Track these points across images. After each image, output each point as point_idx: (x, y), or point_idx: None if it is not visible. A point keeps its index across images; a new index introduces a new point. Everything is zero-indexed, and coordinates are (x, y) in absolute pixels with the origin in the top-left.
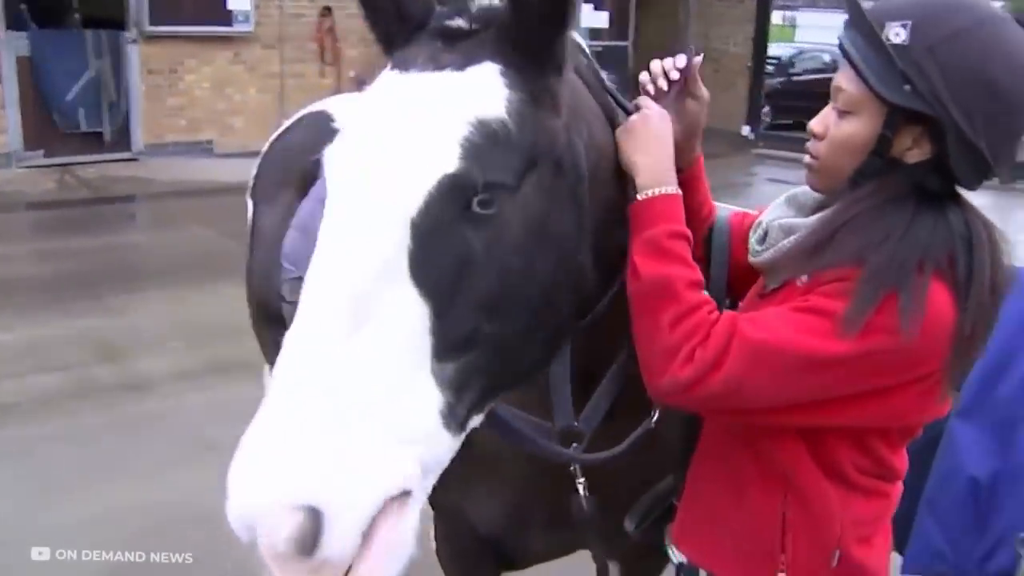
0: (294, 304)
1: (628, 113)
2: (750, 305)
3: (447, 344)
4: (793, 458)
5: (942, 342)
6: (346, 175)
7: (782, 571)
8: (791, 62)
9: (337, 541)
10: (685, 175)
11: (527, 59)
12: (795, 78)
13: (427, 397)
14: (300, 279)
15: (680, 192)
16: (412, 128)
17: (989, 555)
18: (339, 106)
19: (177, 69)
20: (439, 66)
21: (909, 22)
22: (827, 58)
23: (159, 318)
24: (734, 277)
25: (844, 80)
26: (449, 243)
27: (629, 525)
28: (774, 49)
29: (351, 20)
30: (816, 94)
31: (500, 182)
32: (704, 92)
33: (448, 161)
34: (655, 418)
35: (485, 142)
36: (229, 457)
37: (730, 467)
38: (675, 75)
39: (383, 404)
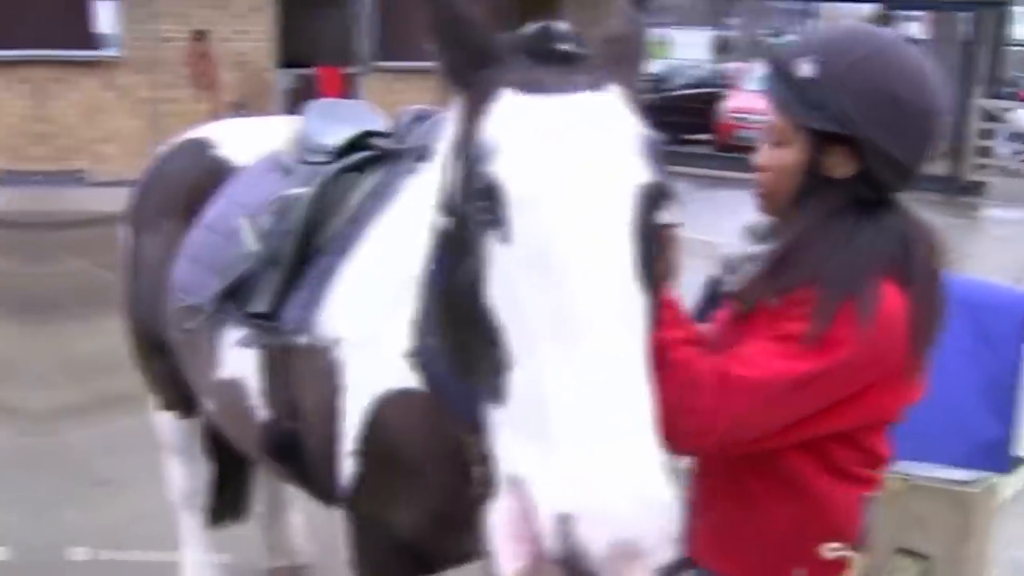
0: (190, 332)
1: None
2: (726, 330)
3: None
4: (802, 468)
5: (900, 335)
6: (555, 192)
7: (801, 568)
8: (665, 78)
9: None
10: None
11: (628, 85)
12: (670, 93)
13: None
14: (196, 307)
15: None
16: (604, 144)
17: None
18: (218, 132)
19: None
20: (577, 87)
21: (817, 57)
22: (699, 73)
23: (38, 353)
24: None
25: (774, 115)
26: (646, 242)
27: None
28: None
29: (226, 44)
30: (689, 109)
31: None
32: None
33: (644, 172)
34: None
35: (651, 154)
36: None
37: (735, 484)
38: None
39: (650, 403)
